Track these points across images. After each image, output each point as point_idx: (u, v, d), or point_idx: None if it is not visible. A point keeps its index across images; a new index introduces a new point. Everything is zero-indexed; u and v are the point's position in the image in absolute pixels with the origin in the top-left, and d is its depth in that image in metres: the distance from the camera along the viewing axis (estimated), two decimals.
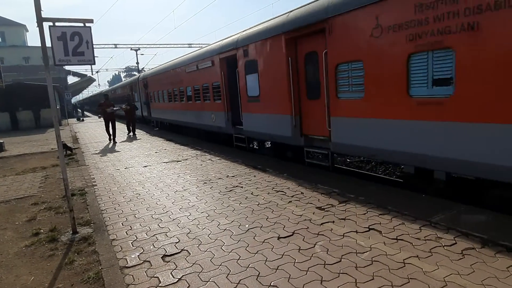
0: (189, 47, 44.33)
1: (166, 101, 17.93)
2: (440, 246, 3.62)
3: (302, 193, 5.76)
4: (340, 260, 3.47)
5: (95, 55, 5.03)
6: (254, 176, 7.13)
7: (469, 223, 4.12)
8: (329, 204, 5.12)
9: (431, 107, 4.99)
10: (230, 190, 6.23)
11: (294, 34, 7.52)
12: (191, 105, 14.24)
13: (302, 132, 7.97)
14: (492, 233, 3.76)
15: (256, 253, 3.77)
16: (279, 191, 5.97)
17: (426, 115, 5.05)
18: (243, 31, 10.02)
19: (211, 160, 9.20)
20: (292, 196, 5.62)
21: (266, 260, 3.59)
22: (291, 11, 7.89)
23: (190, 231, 4.53)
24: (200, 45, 36.63)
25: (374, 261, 3.41)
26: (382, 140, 5.82)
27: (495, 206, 4.62)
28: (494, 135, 4.33)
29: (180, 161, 9.44)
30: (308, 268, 3.37)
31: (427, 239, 3.79)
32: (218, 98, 11.57)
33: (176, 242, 4.20)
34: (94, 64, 5.08)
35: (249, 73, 9.45)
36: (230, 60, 10.63)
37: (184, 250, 3.98)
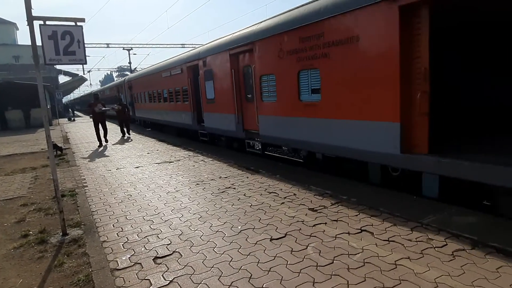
0: (182, 47, 44.22)
1: (147, 102, 20.01)
2: (431, 247, 3.65)
3: (294, 194, 5.77)
4: (332, 262, 3.48)
5: (86, 54, 4.97)
6: (247, 177, 7.13)
7: (459, 224, 4.16)
8: (322, 206, 5.13)
9: (311, 108, 6.98)
10: (223, 192, 6.21)
11: (236, 51, 9.40)
12: (167, 106, 16.21)
13: (244, 128, 9.82)
14: (482, 235, 3.80)
15: (249, 254, 3.76)
16: (271, 192, 5.97)
17: (309, 114, 7.05)
18: (204, 44, 12.05)
19: (204, 161, 9.17)
20: (285, 198, 5.62)
21: (258, 262, 3.58)
22: (234, 33, 9.86)
23: (182, 232, 4.50)
24: (193, 45, 36.52)
25: (366, 262, 3.43)
26: (287, 132, 7.85)
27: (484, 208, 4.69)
28: (345, 127, 6.18)
29: (173, 162, 9.39)
30: (301, 269, 3.37)
31: (418, 241, 3.82)
32: (187, 100, 13.48)
33: (168, 244, 4.17)
34: (86, 63, 5.03)
35: (207, 80, 11.36)
36: (194, 68, 12.49)
37: (176, 252, 3.95)
